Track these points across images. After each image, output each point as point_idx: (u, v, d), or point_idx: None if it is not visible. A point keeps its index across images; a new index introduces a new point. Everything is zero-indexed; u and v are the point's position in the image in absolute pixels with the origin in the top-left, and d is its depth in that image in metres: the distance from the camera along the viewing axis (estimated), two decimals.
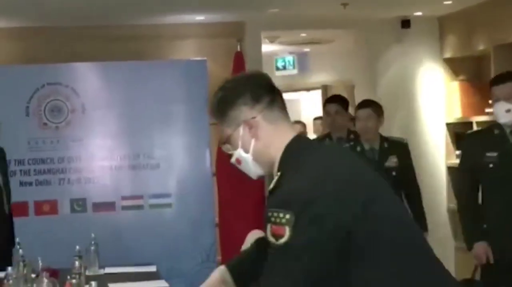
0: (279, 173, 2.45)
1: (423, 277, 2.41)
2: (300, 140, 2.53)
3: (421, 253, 2.46)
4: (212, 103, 2.59)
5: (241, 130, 2.51)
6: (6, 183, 6.20)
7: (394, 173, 6.23)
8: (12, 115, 6.48)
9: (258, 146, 2.51)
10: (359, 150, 6.24)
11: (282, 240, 2.28)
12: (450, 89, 9.25)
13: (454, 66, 9.38)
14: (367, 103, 6.48)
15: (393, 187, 2.59)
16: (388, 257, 2.36)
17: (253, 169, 2.57)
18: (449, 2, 8.39)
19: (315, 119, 11.06)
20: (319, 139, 6.95)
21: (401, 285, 2.36)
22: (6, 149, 6.33)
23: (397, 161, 6.32)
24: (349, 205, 2.33)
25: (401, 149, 6.49)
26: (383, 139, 6.43)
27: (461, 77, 9.37)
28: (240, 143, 2.53)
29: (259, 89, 2.53)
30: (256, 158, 2.53)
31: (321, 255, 2.30)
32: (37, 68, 7.51)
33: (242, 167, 2.58)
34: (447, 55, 9.37)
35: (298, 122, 10.97)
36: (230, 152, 2.59)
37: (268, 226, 2.32)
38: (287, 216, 2.27)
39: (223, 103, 2.54)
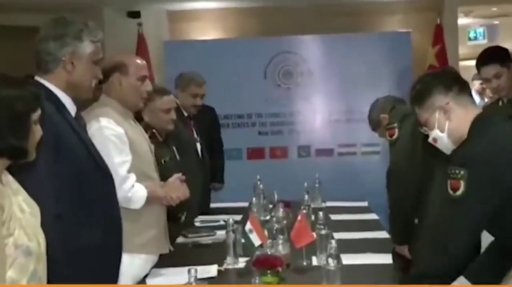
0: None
1: None
2: (482, 115, 2.53)
3: None
4: (412, 94, 2.64)
5: (437, 114, 2.53)
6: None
7: None
8: (252, 78, 6.74)
9: (451, 126, 2.52)
10: None
11: (458, 193, 2.33)
12: None
13: None
14: None
15: None
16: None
17: (447, 146, 2.57)
18: None
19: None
20: None
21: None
22: (246, 105, 6.83)
23: None
24: (507, 178, 2.33)
25: None
26: None
27: None
28: (436, 125, 2.55)
29: (450, 81, 2.56)
30: (450, 136, 2.54)
31: (486, 207, 2.35)
32: (273, 39, 7.64)
33: (438, 144, 2.59)
34: None
35: None
36: (426, 133, 2.61)
37: (448, 182, 2.37)
38: (462, 172, 2.32)
39: (421, 93, 2.58)
